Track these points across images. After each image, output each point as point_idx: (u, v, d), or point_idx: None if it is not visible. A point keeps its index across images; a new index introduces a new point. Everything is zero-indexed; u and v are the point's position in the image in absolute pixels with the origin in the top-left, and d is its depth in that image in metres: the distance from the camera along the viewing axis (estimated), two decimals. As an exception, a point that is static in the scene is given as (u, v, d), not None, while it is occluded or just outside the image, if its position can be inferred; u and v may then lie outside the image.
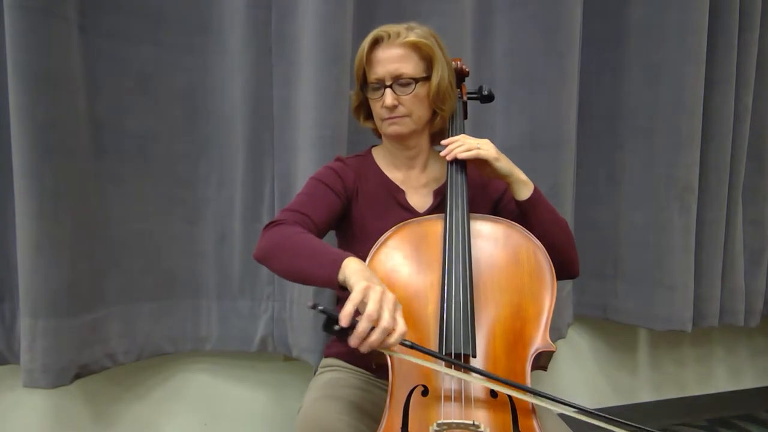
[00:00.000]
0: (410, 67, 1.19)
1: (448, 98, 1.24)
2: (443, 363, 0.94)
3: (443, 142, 1.22)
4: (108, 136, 1.48)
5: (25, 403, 1.53)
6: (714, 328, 2.16)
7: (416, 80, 1.19)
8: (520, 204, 1.21)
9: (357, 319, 0.86)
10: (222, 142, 1.61)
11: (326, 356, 1.35)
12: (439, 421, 0.90)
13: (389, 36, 1.19)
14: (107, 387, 1.59)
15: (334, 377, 1.24)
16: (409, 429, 0.91)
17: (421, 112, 1.23)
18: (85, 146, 1.43)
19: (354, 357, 1.26)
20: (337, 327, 0.86)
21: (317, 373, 1.33)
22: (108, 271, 1.49)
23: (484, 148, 1.17)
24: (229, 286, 1.63)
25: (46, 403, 1.55)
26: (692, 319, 2.04)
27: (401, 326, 0.87)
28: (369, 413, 1.11)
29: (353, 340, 0.86)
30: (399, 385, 0.97)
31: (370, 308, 0.85)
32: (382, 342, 0.86)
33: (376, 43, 1.20)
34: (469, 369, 0.95)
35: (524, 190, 1.20)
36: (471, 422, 0.89)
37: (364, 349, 0.87)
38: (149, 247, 1.56)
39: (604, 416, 0.87)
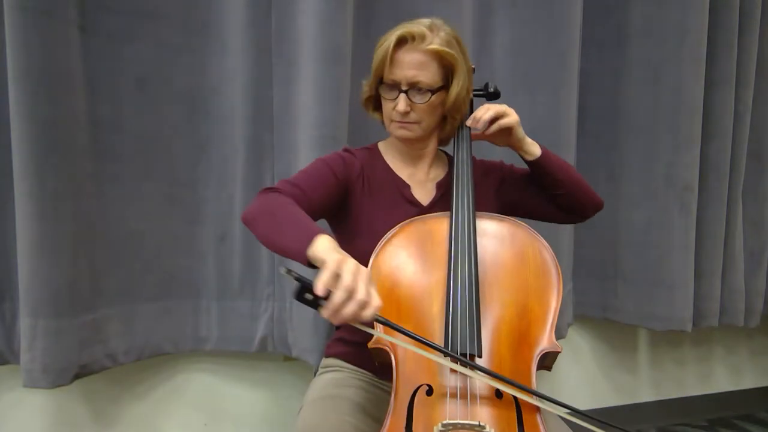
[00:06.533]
0: (429, 75, 1.15)
1: (463, 107, 1.23)
2: (443, 353, 0.94)
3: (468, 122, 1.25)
4: (108, 136, 1.48)
5: (25, 403, 1.53)
6: (714, 328, 2.17)
7: (433, 91, 1.17)
8: (535, 162, 1.25)
9: (330, 290, 0.84)
10: (222, 142, 1.60)
11: (327, 356, 1.34)
12: (444, 422, 0.89)
13: (414, 38, 1.14)
14: (107, 387, 1.59)
15: (334, 377, 1.23)
16: (414, 429, 0.90)
17: (432, 120, 1.22)
18: (85, 146, 1.42)
19: (355, 357, 1.25)
20: (310, 296, 0.84)
21: (318, 373, 1.32)
22: (108, 271, 1.49)
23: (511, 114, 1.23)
24: (229, 286, 1.63)
25: (46, 403, 1.54)
26: (692, 319, 2.04)
27: (376, 300, 0.85)
28: (371, 414, 1.10)
29: (327, 311, 0.84)
30: (403, 385, 0.97)
31: (347, 279, 0.83)
32: (356, 315, 0.84)
33: (400, 43, 1.15)
34: (469, 364, 0.94)
35: (535, 147, 1.26)
36: (476, 423, 0.89)
37: (336, 321, 0.84)
38: (149, 247, 1.55)
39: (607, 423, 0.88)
